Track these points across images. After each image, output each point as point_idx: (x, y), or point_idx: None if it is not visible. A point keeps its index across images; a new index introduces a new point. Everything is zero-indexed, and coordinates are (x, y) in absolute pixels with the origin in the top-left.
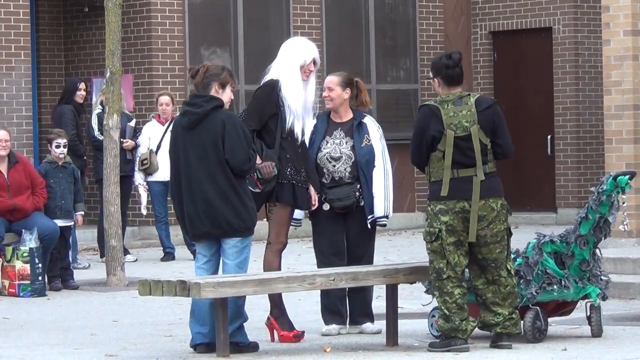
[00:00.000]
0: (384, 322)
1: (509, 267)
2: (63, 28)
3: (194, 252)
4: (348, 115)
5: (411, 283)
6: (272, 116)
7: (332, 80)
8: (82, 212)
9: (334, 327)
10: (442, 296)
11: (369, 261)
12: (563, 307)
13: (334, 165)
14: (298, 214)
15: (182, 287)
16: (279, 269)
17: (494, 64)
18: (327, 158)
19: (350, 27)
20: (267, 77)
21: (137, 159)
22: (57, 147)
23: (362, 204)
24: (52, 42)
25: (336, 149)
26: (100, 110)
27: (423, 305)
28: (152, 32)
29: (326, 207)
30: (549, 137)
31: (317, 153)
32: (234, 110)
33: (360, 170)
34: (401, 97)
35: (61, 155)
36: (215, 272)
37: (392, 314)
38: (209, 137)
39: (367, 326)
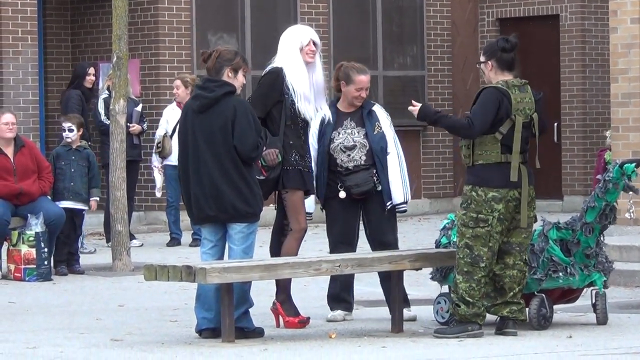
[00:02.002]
0: (385, 308)
1: (525, 256)
2: (70, 12)
3: (195, 239)
4: (356, 105)
5: (417, 269)
6: (276, 104)
7: (369, 79)
8: (97, 198)
9: (339, 313)
10: (469, 282)
11: (396, 247)
12: (568, 295)
13: (349, 155)
14: (309, 207)
15: (188, 272)
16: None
17: None
18: (340, 148)
19: (357, 13)
20: (271, 65)
21: (155, 142)
22: (63, 131)
23: (379, 189)
24: (59, 26)
25: (349, 139)
26: (107, 95)
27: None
28: (159, 17)
29: (342, 194)
30: (555, 124)
31: (329, 144)
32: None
33: (375, 157)
34: (408, 84)
35: (68, 139)
36: (221, 257)
37: (398, 301)
38: (219, 121)
39: (403, 312)
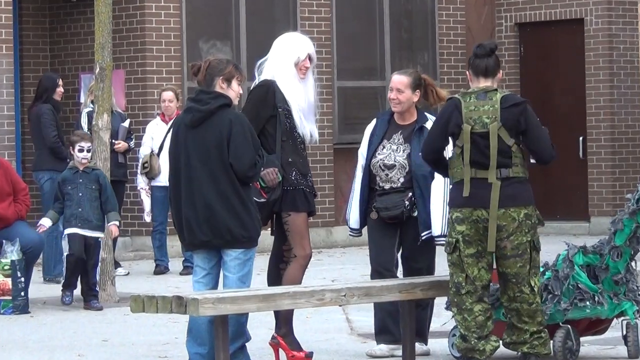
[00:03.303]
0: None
1: (532, 284)
2: (48, 19)
3: (187, 267)
4: (412, 118)
5: (430, 299)
6: (269, 119)
7: (402, 80)
8: (116, 222)
9: (381, 348)
10: (461, 313)
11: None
12: (596, 326)
13: (387, 174)
14: (354, 222)
15: (179, 303)
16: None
17: (520, 59)
18: (380, 165)
19: (363, 19)
20: (260, 77)
21: (140, 161)
22: (81, 151)
23: (414, 214)
24: (37, 34)
25: (391, 156)
26: (91, 109)
27: (442, 325)
28: (146, 24)
29: (374, 215)
30: (580, 138)
31: (372, 158)
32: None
33: (415, 181)
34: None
35: (84, 161)
36: (215, 286)
37: (409, 334)
38: (214, 137)
39: (417, 346)
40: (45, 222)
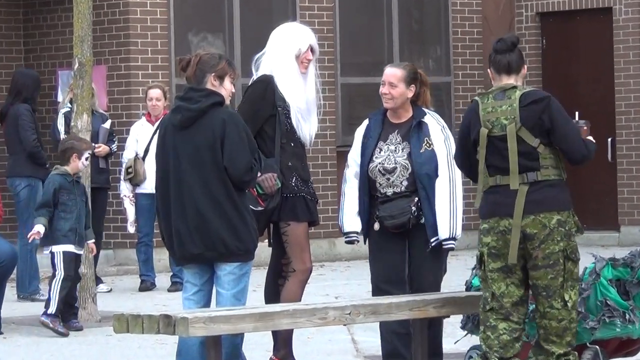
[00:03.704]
0: None
1: (566, 298)
2: (23, 10)
3: (175, 283)
4: (407, 114)
5: (444, 317)
6: (268, 119)
7: (395, 74)
8: (93, 240)
9: None
10: (485, 331)
11: (435, 291)
12: (628, 346)
13: (388, 179)
14: (350, 224)
15: (167, 323)
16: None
17: (542, 52)
18: (379, 170)
19: (369, 9)
20: (258, 73)
21: (123, 166)
22: (86, 159)
23: (422, 220)
24: (10, 26)
25: (390, 158)
26: (69, 109)
27: (455, 344)
28: (130, 15)
29: (376, 226)
30: (609, 139)
31: (369, 163)
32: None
33: (418, 182)
34: (431, 93)
35: (84, 166)
36: (207, 304)
37: (422, 355)
38: (206, 138)
39: None
40: (40, 229)
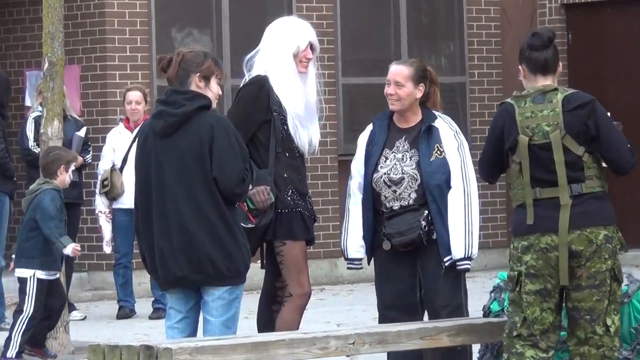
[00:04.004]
0: None
1: (608, 323)
2: None
3: (158, 309)
4: (416, 118)
5: (459, 348)
6: (261, 125)
7: (401, 72)
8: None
9: None
10: (510, 358)
11: (455, 316)
12: None
13: (395, 191)
14: (355, 249)
15: (148, 355)
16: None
17: (567, 47)
18: (384, 181)
19: (373, 1)
20: (251, 74)
21: (98, 178)
22: (73, 172)
23: (434, 237)
24: None
25: (397, 167)
26: (39, 114)
27: None
28: (106, 8)
29: (386, 245)
30: None
31: (373, 174)
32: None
33: (428, 194)
34: (444, 94)
35: (71, 180)
36: (194, 333)
37: None
38: (192, 146)
39: None
40: (76, 246)
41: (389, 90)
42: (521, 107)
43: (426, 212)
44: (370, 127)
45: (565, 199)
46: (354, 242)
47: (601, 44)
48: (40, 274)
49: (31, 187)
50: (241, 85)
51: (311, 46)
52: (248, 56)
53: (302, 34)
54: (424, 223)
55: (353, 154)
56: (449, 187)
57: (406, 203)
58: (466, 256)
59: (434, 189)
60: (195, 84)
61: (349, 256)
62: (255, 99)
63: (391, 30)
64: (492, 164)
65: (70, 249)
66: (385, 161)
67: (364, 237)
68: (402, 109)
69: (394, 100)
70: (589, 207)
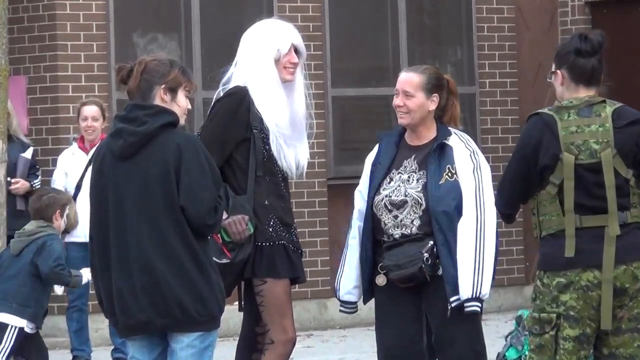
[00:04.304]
0: None
1: None
2: None
3: (118, 359)
4: (430, 134)
5: None
6: (239, 144)
7: (410, 80)
8: None
9: None
10: None
11: None
12: None
13: (396, 216)
14: (347, 291)
15: None
16: None
17: None
18: (385, 204)
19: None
20: (227, 87)
21: None
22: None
23: (439, 272)
24: None
25: (400, 189)
26: None
27: None
28: (57, 10)
29: (381, 280)
30: None
31: (375, 196)
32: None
33: (434, 222)
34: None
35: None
36: None
37: None
38: (156, 170)
39: None
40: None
41: (396, 101)
42: (564, 120)
43: (431, 242)
44: (377, 147)
45: (615, 229)
46: (348, 282)
47: (629, 44)
48: (27, 326)
49: (26, 228)
50: (215, 99)
51: (295, 49)
52: (223, 69)
53: (283, 35)
54: (426, 255)
55: (345, 178)
56: (459, 215)
57: (408, 231)
58: (474, 296)
59: (440, 216)
60: (160, 98)
61: (341, 298)
62: (233, 113)
63: (388, 33)
64: (515, 190)
65: (87, 273)
66: (389, 182)
67: (362, 272)
68: (412, 123)
69: (402, 113)
70: (634, 238)
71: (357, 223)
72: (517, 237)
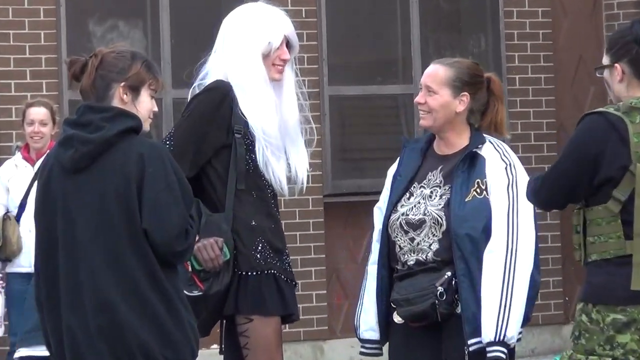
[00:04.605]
0: None
1: None
2: None
3: None
4: (461, 142)
5: None
6: (219, 151)
7: (435, 73)
8: None
9: None
10: None
11: None
12: None
13: (412, 239)
14: (369, 328)
15: None
16: None
17: None
18: (401, 224)
19: None
20: (206, 80)
21: None
22: None
23: (458, 310)
24: None
25: (419, 207)
26: None
27: None
28: None
29: (398, 318)
30: None
31: (391, 214)
32: (156, 136)
33: (456, 248)
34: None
35: None
36: None
37: None
38: (114, 186)
39: None
40: None
41: (418, 97)
42: (635, 124)
43: (449, 274)
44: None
45: None
46: (369, 317)
47: None
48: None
49: None
50: (191, 95)
51: (287, 43)
52: (201, 62)
53: (275, 25)
54: (440, 289)
55: (346, 195)
56: (487, 240)
57: (424, 257)
58: (498, 339)
59: (463, 241)
60: (119, 98)
61: (362, 336)
62: (213, 110)
63: (397, 20)
64: (563, 190)
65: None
66: (408, 198)
67: (377, 307)
68: (435, 127)
69: (423, 113)
70: None
71: (376, 246)
72: (554, 266)
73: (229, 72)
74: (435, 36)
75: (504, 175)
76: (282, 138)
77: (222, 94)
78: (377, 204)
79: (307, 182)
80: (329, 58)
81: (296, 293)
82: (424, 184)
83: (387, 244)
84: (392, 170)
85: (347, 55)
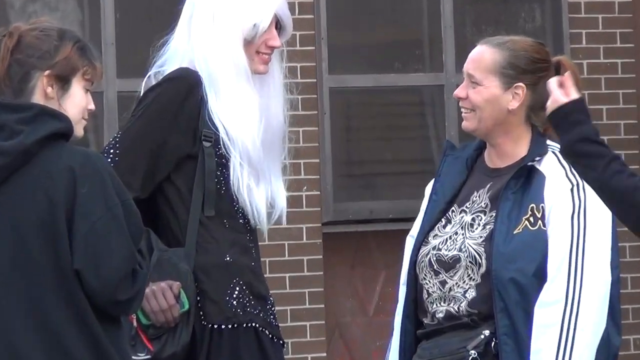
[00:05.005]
0: None
1: None
2: None
3: None
4: (519, 151)
5: None
6: (182, 161)
7: (479, 56)
8: None
9: None
10: None
11: None
12: None
13: (444, 283)
14: None
15: None
16: None
17: None
18: (430, 262)
19: None
20: (166, 68)
21: None
22: None
23: None
24: None
25: (455, 240)
26: None
27: None
28: None
29: None
30: None
31: (421, 246)
32: (97, 143)
33: (497, 298)
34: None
35: None
36: None
37: None
38: (34, 212)
39: None
40: None
41: (457, 90)
42: None
43: (486, 333)
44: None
45: None
46: None
47: None
48: None
49: None
50: (145, 87)
51: (277, 22)
52: (161, 42)
53: (263, 2)
54: (473, 354)
55: (350, 222)
56: (539, 287)
57: (456, 308)
58: None
59: (507, 288)
60: (42, 91)
61: None
62: (177, 107)
63: (423, 2)
64: None
65: None
66: (444, 226)
67: None
68: (482, 130)
69: (465, 111)
70: None
71: (403, 290)
72: (634, 319)
73: (197, 60)
74: (473, 8)
75: (569, 199)
76: (265, 154)
77: (189, 85)
78: (411, 231)
79: (301, 206)
80: (329, 37)
81: (285, 356)
82: (466, 207)
83: (415, 286)
84: (428, 188)
85: (354, 32)
